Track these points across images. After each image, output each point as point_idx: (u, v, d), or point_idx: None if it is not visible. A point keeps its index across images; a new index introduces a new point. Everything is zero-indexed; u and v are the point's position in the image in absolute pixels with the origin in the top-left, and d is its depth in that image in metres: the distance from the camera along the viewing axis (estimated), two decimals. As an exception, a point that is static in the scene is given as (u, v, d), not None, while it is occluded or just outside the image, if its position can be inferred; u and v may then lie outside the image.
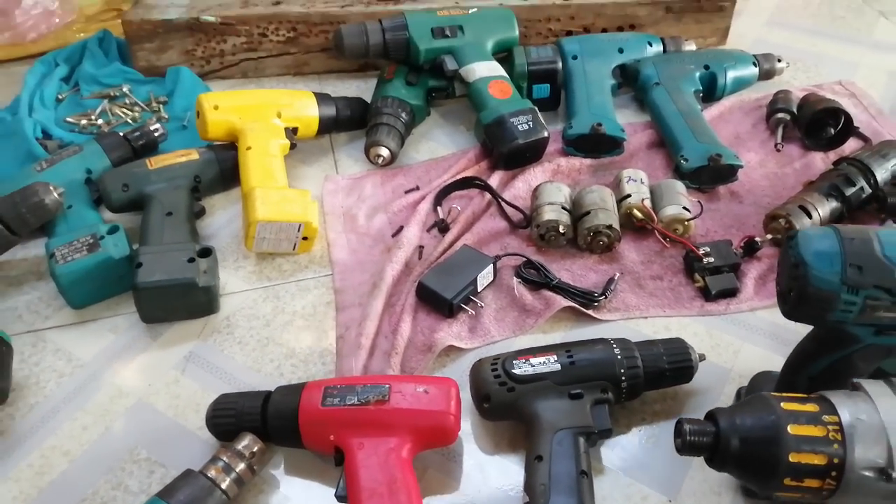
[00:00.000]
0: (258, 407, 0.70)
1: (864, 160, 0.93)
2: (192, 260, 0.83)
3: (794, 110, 1.07)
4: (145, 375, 0.80)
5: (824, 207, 0.89)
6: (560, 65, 1.11)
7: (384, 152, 1.04)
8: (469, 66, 1.07)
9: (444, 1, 1.21)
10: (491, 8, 1.17)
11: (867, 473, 0.42)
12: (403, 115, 1.07)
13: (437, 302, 0.84)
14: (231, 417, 0.70)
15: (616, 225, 0.89)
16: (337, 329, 0.84)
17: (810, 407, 0.44)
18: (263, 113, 1.01)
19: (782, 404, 0.44)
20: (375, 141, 1.04)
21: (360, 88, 1.21)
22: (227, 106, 1.00)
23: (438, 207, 0.97)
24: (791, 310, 0.55)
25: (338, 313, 0.86)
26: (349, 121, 1.10)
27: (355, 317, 0.84)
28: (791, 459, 0.43)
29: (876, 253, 0.52)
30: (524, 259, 0.89)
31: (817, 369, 0.58)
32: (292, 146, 1.02)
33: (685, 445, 0.46)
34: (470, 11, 1.14)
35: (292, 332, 0.84)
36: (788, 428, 0.43)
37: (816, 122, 1.05)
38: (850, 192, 0.90)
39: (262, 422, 0.70)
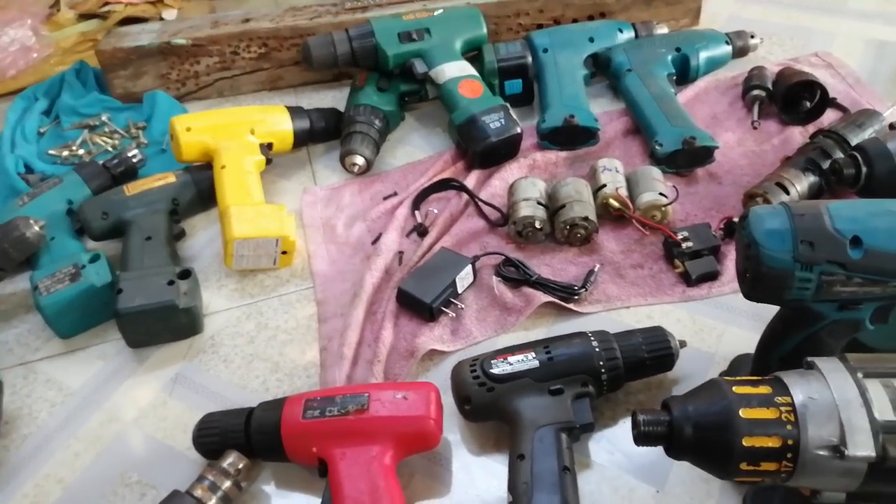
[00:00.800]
0: (242, 424, 0.71)
1: (840, 131, 0.92)
2: (171, 283, 0.84)
3: (770, 86, 1.06)
4: (134, 399, 0.81)
5: (802, 183, 0.88)
6: (530, 59, 1.11)
7: (359, 161, 1.04)
8: (439, 68, 1.08)
9: (414, 5, 1.21)
10: (458, 8, 1.17)
11: (822, 452, 0.42)
12: (377, 122, 1.07)
13: (417, 306, 0.84)
14: (216, 436, 0.71)
15: (592, 216, 0.89)
16: (320, 341, 0.84)
17: (763, 389, 0.44)
18: (236, 131, 1.02)
19: (734, 388, 0.44)
20: (350, 150, 1.04)
21: (336, 98, 1.22)
22: (200, 127, 1.01)
23: (416, 211, 0.97)
24: (749, 290, 0.55)
25: (320, 325, 0.86)
26: (324, 132, 1.10)
27: (337, 327, 0.84)
28: (745, 444, 0.42)
29: (827, 227, 0.51)
30: (503, 257, 0.89)
31: (787, 349, 0.58)
32: (268, 161, 1.03)
33: (640, 436, 0.45)
34: (436, 13, 1.14)
35: (276, 347, 0.84)
36: (740, 412, 0.43)
37: (792, 97, 1.04)
38: (827, 164, 0.89)
39: (247, 438, 0.70)
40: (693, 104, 1.09)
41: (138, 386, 0.82)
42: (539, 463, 0.64)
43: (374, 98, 1.10)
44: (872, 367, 0.45)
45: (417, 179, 1.03)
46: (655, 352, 0.73)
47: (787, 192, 0.87)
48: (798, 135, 1.01)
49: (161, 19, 1.44)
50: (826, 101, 1.02)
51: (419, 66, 1.08)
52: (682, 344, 0.74)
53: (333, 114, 1.12)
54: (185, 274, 0.86)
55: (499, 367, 0.71)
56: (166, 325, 0.84)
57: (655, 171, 0.94)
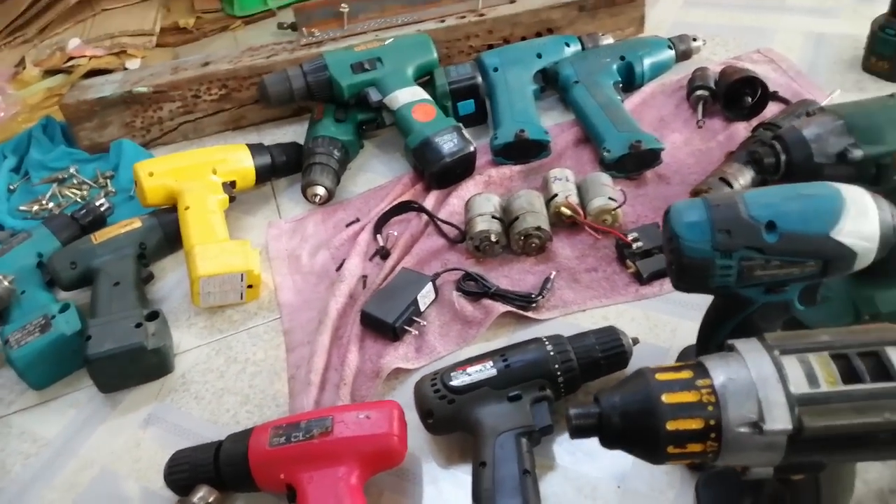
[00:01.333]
0: (211, 457, 0.72)
1: (778, 122, 0.95)
2: (139, 325, 0.86)
3: (713, 85, 1.09)
4: (108, 444, 0.82)
5: (745, 175, 0.90)
6: (480, 79, 1.14)
7: (320, 191, 1.06)
8: (392, 95, 1.11)
9: (367, 36, 1.25)
10: (408, 35, 1.21)
11: (743, 430, 0.43)
12: (336, 152, 1.10)
13: (381, 327, 0.86)
14: (186, 471, 0.72)
15: (545, 225, 0.91)
16: (288, 370, 0.86)
17: (684, 374, 0.46)
18: (199, 172, 1.04)
19: (657, 375, 0.46)
20: (310, 181, 1.06)
21: (298, 132, 1.24)
22: (162, 171, 1.03)
23: (378, 235, 0.99)
24: (676, 281, 0.57)
25: (288, 354, 0.88)
26: (286, 166, 1.13)
27: (305, 355, 0.86)
28: (669, 428, 0.44)
29: (742, 215, 0.53)
30: (463, 272, 0.91)
31: (722, 336, 0.60)
32: (231, 199, 1.05)
33: (573, 430, 0.47)
34: (387, 42, 1.17)
35: (246, 380, 0.86)
36: (662, 397, 0.44)
37: (734, 94, 1.07)
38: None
39: (216, 471, 0.71)
40: (640, 109, 1.12)
41: (112, 430, 0.83)
42: (500, 469, 0.66)
43: (332, 129, 1.13)
44: (789, 344, 0.46)
45: (378, 204, 1.05)
46: (609, 351, 0.75)
47: (731, 186, 0.90)
48: (742, 130, 1.04)
49: (125, 69, 1.48)
50: (767, 96, 1.05)
51: (373, 95, 1.11)
52: (635, 341, 0.76)
53: (294, 148, 1.15)
54: (153, 315, 0.88)
55: (458, 379, 0.73)
56: (136, 367, 0.85)
57: (604, 177, 0.96)
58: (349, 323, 0.88)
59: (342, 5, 1.29)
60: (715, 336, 0.61)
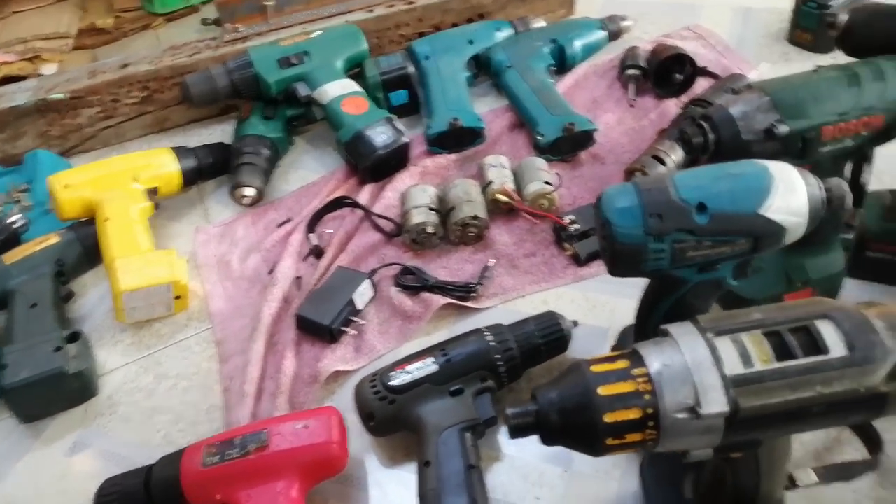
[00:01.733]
0: (141, 483, 0.68)
1: (708, 98, 0.95)
2: (59, 349, 0.81)
3: (644, 64, 1.09)
4: (32, 478, 0.77)
5: (677, 152, 0.90)
6: (412, 68, 1.11)
7: (249, 192, 1.02)
8: (321, 89, 1.07)
9: (294, 29, 1.21)
10: (336, 27, 1.17)
11: (680, 416, 0.42)
12: (264, 150, 1.06)
13: (317, 330, 0.83)
14: (116, 501, 0.68)
15: (482, 214, 0.89)
16: (222, 382, 0.82)
17: (620, 364, 0.44)
18: (119, 180, 0.99)
19: (592, 368, 0.44)
20: (239, 182, 1.02)
21: (227, 132, 1.19)
22: (79, 181, 0.98)
23: (311, 234, 0.96)
24: (611, 267, 0.56)
25: (221, 365, 0.84)
26: (213, 168, 1.08)
27: (239, 365, 0.82)
28: (607, 420, 0.42)
29: (672, 198, 0.52)
30: (400, 267, 0.88)
31: (659, 316, 0.59)
32: (156, 206, 1.00)
33: (512, 430, 0.45)
34: (314, 35, 1.14)
35: (177, 397, 0.82)
36: (598, 390, 0.43)
37: (664, 71, 1.06)
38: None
39: (148, 497, 0.67)
40: (573, 91, 1.11)
41: (35, 462, 0.78)
42: (444, 466, 0.64)
43: (260, 127, 1.08)
44: (722, 325, 0.45)
45: (311, 202, 1.02)
46: (549, 336, 0.73)
47: (664, 163, 0.89)
48: (673, 106, 1.04)
49: (39, 75, 1.40)
50: (696, 72, 1.05)
51: (302, 90, 1.08)
52: (574, 324, 0.75)
53: (221, 148, 1.10)
54: (74, 337, 0.83)
55: (398, 378, 0.71)
56: (58, 393, 0.80)
57: (539, 161, 0.95)
58: (284, 328, 0.85)
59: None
60: (652, 317, 0.60)
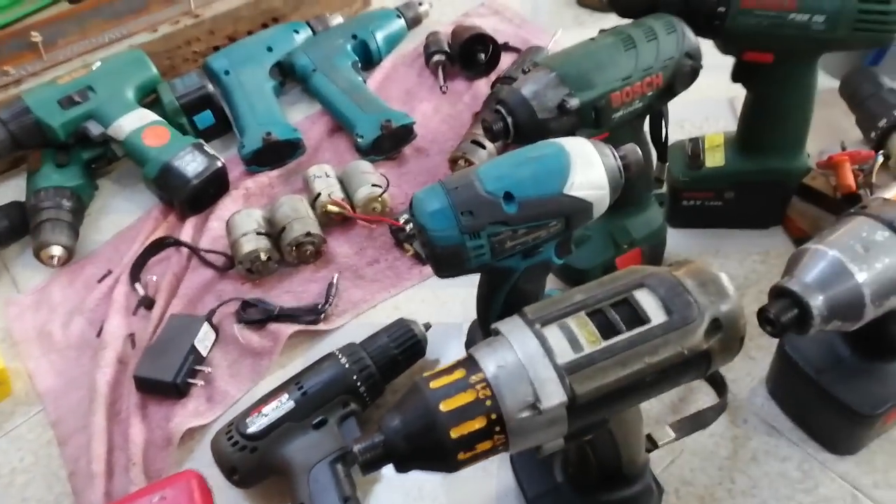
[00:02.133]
0: None
1: (512, 74, 0.97)
2: None
3: (447, 48, 1.10)
4: None
5: (494, 134, 0.91)
6: (210, 87, 1.05)
7: (56, 251, 0.93)
8: (115, 124, 0.99)
9: (72, 64, 1.10)
10: (118, 55, 1.08)
11: (523, 415, 0.43)
12: (65, 202, 0.96)
13: (161, 388, 0.77)
14: None
15: (315, 229, 0.87)
16: (66, 466, 0.75)
17: (458, 374, 0.44)
18: None
19: (431, 384, 0.44)
20: (42, 242, 0.92)
21: (20, 187, 1.07)
22: None
23: (137, 284, 0.89)
24: (436, 270, 0.56)
25: (62, 448, 0.76)
26: (10, 231, 0.97)
27: (82, 443, 0.75)
28: (453, 435, 0.42)
29: (480, 193, 0.53)
30: (240, 301, 0.84)
31: (498, 307, 0.60)
32: (-52, 288, 0.89)
33: (362, 466, 0.44)
34: (95, 66, 1.04)
35: (16, 495, 0.74)
36: (440, 407, 0.43)
37: (468, 52, 1.08)
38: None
39: None
40: (385, 85, 1.10)
41: None
42: (319, 504, 0.62)
43: (55, 177, 0.98)
44: (548, 314, 0.46)
45: (130, 248, 0.94)
46: (404, 345, 0.73)
47: (484, 147, 0.90)
48: (484, 86, 1.06)
49: None
50: (499, 49, 1.07)
51: (93, 129, 0.99)
52: (427, 326, 0.75)
53: (15, 208, 0.99)
54: None
55: (255, 424, 0.68)
56: None
57: (364, 164, 0.93)
58: (125, 393, 0.79)
59: (32, 34, 1.12)
60: (490, 310, 0.61)
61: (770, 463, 0.68)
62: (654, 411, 0.72)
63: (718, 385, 0.72)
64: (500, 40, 1.09)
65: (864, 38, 0.68)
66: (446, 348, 0.77)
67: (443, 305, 0.82)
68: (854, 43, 0.69)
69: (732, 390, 0.73)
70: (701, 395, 0.73)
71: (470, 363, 0.45)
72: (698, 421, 0.68)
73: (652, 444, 0.63)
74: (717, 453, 0.69)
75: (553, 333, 0.45)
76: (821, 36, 0.68)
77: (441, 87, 1.07)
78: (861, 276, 0.50)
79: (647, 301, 0.47)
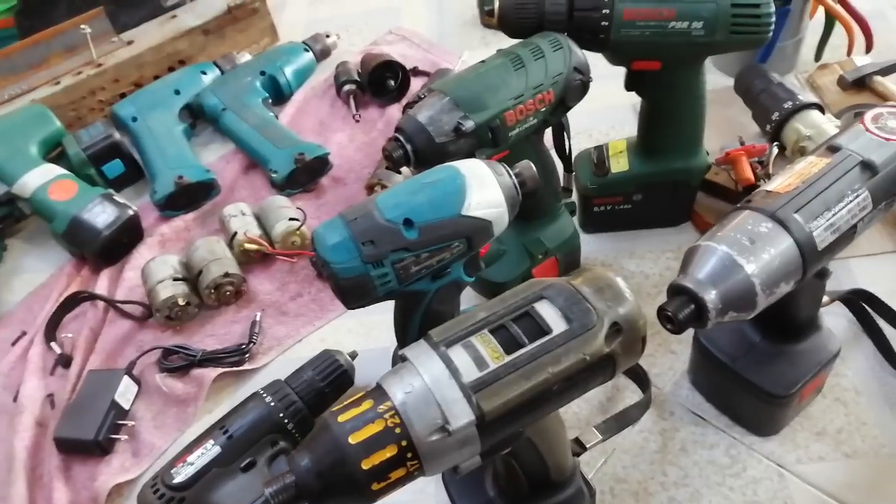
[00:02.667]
0: None
1: (424, 96, 0.98)
2: None
3: (357, 77, 1.10)
4: None
5: (408, 158, 0.92)
6: (117, 135, 1.03)
7: (-37, 320, 0.89)
8: (20, 182, 0.96)
9: None
10: (18, 111, 1.05)
11: (434, 437, 0.43)
12: (-29, 266, 0.93)
13: (83, 447, 0.75)
14: None
15: (233, 269, 0.86)
16: (-13, 543, 0.72)
17: (366, 405, 0.44)
18: None
19: (339, 418, 0.44)
20: (-52, 312, 0.89)
21: (-76, 254, 1.03)
22: None
23: (52, 343, 0.86)
24: (344, 303, 0.56)
25: (-19, 525, 0.73)
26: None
27: (2, 516, 0.72)
28: (364, 467, 0.42)
29: (380, 222, 0.53)
30: (160, 349, 0.82)
31: (415, 331, 0.61)
32: None
33: (276, 513, 0.43)
34: (-7, 124, 1.01)
35: (-67, 577, 0.70)
36: (349, 440, 0.42)
37: (378, 80, 1.09)
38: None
39: None
40: (298, 118, 1.10)
41: None
42: (253, 551, 0.61)
43: (-42, 243, 0.95)
44: (452, 335, 0.47)
45: (44, 307, 0.91)
46: (330, 376, 0.73)
47: (400, 172, 0.91)
48: (396, 112, 1.07)
49: None
50: (408, 74, 1.09)
51: (-3, 188, 0.96)
52: (353, 355, 0.75)
53: (-82, 276, 0.95)
54: None
55: (181, 474, 0.66)
56: None
57: (280, 199, 0.93)
58: (46, 456, 0.76)
59: (-76, 96, 1.08)
60: (408, 335, 0.61)
61: (699, 452, 0.70)
62: (584, 413, 0.74)
63: (641, 381, 0.73)
64: (409, 65, 1.10)
65: (742, 40, 0.72)
66: (376, 375, 0.76)
67: (369, 333, 0.82)
68: (733, 45, 0.73)
69: (657, 384, 0.75)
70: (628, 393, 0.75)
71: (378, 393, 0.45)
72: (624, 419, 0.70)
73: (580, 447, 0.64)
74: (648, 448, 0.71)
75: (458, 354, 0.46)
76: (701, 41, 0.71)
77: (354, 116, 1.08)
78: (750, 268, 0.52)
79: (548, 312, 0.48)
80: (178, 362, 0.81)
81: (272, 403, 0.69)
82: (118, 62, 1.12)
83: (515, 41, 0.71)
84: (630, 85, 0.78)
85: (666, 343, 0.78)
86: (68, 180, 0.96)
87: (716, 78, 1.03)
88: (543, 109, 0.67)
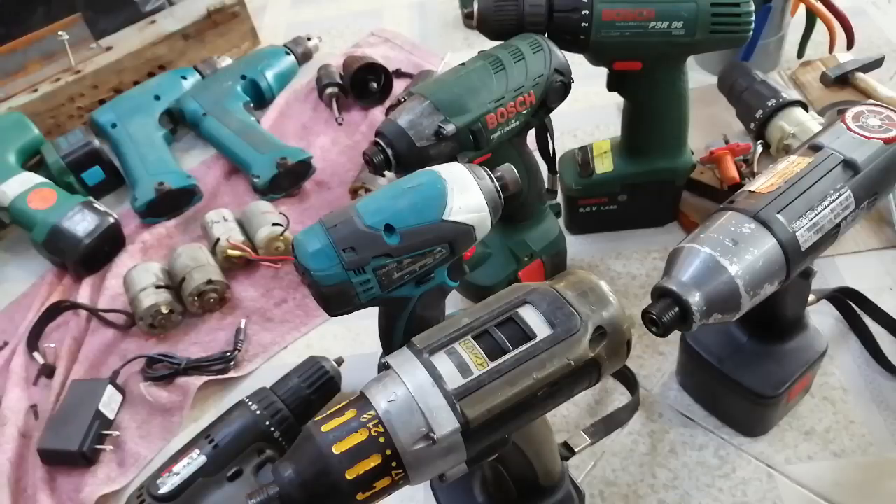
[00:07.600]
0: None
1: (405, 99, 0.98)
2: None
3: (339, 80, 1.10)
4: None
5: (391, 161, 0.92)
6: (96, 142, 1.02)
7: (-57, 330, 0.88)
8: (-2, 191, 0.95)
9: None
10: (-5, 118, 1.04)
11: (418, 446, 0.43)
12: (-50, 277, 0.92)
13: (68, 458, 0.74)
14: None
15: (217, 276, 0.85)
16: (-30, 557, 0.71)
17: (349, 414, 0.44)
18: None
19: (322, 428, 0.43)
20: (-73, 323, 0.88)
21: None
22: None
23: (35, 353, 0.85)
24: (327, 310, 0.55)
25: (-37, 539, 0.72)
26: None
27: (-15, 531, 0.71)
28: (349, 477, 0.42)
29: (360, 228, 0.53)
30: (144, 358, 0.82)
31: (399, 337, 0.60)
32: None
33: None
34: (-29, 133, 1.00)
35: None
36: (333, 450, 0.42)
37: (361, 82, 1.08)
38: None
39: None
40: (280, 122, 1.09)
41: None
42: (239, 562, 0.60)
43: (-62, 251, 0.94)
44: (435, 342, 0.46)
45: (26, 317, 0.90)
46: (316, 383, 0.72)
47: (384, 175, 0.90)
48: (379, 114, 1.06)
49: None
50: (390, 76, 1.08)
51: (-25, 198, 0.94)
52: (339, 361, 0.75)
53: None
54: None
55: (167, 484, 0.65)
56: None
57: (263, 205, 0.92)
58: (30, 468, 0.75)
59: None
60: (393, 341, 0.61)
61: (688, 453, 0.70)
62: (573, 416, 0.73)
63: (630, 383, 0.73)
64: (392, 67, 1.10)
65: (722, 39, 0.72)
66: (363, 381, 0.75)
67: (356, 338, 0.81)
68: (713, 44, 0.73)
69: (645, 386, 0.75)
70: (617, 396, 0.74)
71: (361, 401, 0.45)
72: (613, 421, 0.70)
73: (569, 452, 0.64)
74: (637, 450, 0.70)
75: (441, 361, 0.45)
76: (682, 40, 0.71)
77: (337, 119, 1.07)
78: (734, 269, 0.52)
79: (531, 317, 0.47)
80: (163, 371, 0.80)
81: (258, 412, 0.69)
82: (97, 68, 1.11)
83: (496, 43, 0.70)
84: (612, 85, 0.77)
85: (654, 344, 0.78)
86: (47, 188, 0.95)
87: (699, 76, 1.03)
88: (525, 112, 0.67)
